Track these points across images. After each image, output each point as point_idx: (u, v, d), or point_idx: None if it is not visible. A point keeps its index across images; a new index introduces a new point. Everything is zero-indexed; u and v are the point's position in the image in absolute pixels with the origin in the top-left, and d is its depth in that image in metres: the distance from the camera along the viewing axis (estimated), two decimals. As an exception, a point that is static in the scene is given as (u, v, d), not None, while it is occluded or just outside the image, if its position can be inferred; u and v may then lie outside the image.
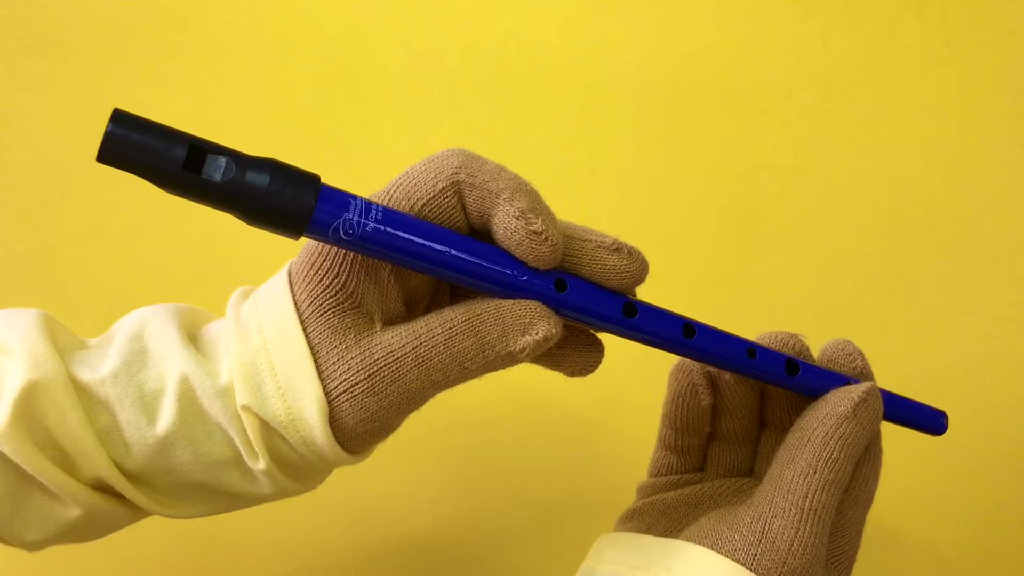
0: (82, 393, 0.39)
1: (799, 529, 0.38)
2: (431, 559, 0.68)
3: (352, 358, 0.38)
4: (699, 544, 0.39)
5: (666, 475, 0.47)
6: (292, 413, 0.39)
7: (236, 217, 0.35)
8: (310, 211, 0.35)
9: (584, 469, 0.66)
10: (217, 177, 0.33)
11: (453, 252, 0.38)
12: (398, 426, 0.41)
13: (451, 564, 0.68)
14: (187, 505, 0.42)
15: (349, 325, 0.39)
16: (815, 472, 0.39)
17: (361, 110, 0.74)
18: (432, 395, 0.40)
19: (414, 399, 0.39)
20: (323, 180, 0.36)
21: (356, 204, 0.36)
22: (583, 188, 0.75)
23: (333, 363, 0.38)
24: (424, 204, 0.38)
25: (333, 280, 0.39)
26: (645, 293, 0.42)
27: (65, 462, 0.39)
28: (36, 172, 0.71)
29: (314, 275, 0.39)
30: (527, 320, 0.38)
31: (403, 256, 0.37)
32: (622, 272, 0.40)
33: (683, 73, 0.77)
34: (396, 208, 0.38)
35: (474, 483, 0.70)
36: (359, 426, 0.39)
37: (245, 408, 0.39)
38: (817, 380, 0.42)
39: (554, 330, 0.39)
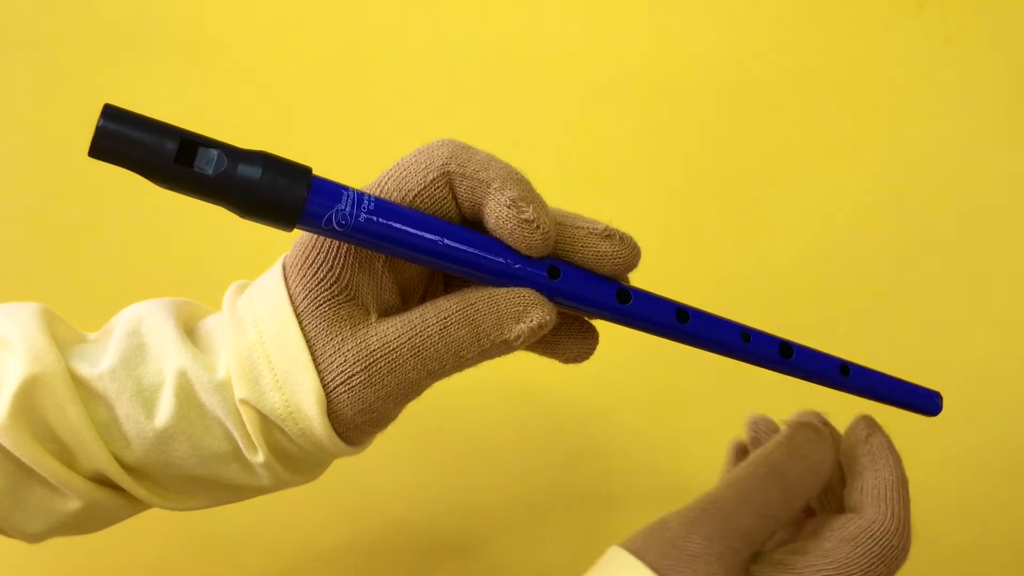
0: (81, 387, 0.39)
1: None
2: (431, 553, 0.68)
3: (348, 350, 0.39)
4: None
5: None
6: (290, 406, 0.39)
7: (228, 210, 0.35)
8: (302, 202, 0.35)
9: (583, 461, 0.66)
10: (209, 170, 0.34)
11: (446, 241, 0.38)
12: (396, 416, 0.42)
13: (451, 557, 0.68)
14: (186, 498, 0.43)
15: (344, 317, 0.39)
16: None
17: (361, 109, 0.75)
18: (429, 384, 0.40)
19: (411, 389, 0.39)
20: (317, 174, 0.37)
21: (348, 195, 0.37)
22: (583, 188, 0.76)
23: (330, 355, 0.39)
24: (416, 195, 0.39)
25: (327, 273, 0.39)
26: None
27: (64, 455, 0.40)
28: (33, 168, 0.71)
29: (308, 268, 0.39)
30: (521, 308, 0.39)
31: (396, 246, 0.38)
32: (614, 258, 0.40)
33: (683, 73, 0.77)
34: (388, 199, 0.39)
35: (473, 476, 0.70)
36: (357, 417, 0.39)
37: (243, 402, 0.39)
38: (811, 363, 0.43)
39: (548, 317, 0.39)
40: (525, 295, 0.39)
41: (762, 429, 0.48)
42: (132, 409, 0.39)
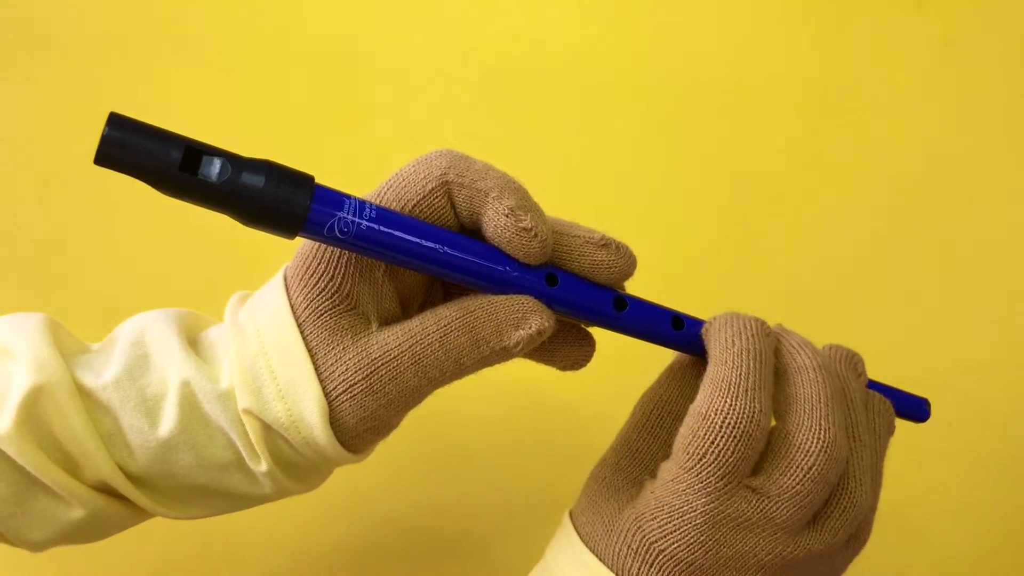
0: (85, 397, 0.40)
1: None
2: (431, 553, 0.68)
3: (350, 358, 0.39)
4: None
5: None
6: (293, 415, 0.39)
7: (232, 218, 0.36)
8: (305, 211, 0.36)
9: (582, 463, 0.66)
10: (213, 178, 0.34)
11: (445, 249, 0.39)
12: (398, 424, 0.42)
13: (451, 558, 0.68)
14: (190, 507, 0.43)
15: (346, 326, 0.40)
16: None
17: (361, 111, 0.75)
18: (430, 392, 0.41)
19: (412, 396, 0.40)
20: (320, 181, 0.37)
21: (350, 203, 0.37)
22: (583, 188, 0.76)
23: (331, 364, 0.39)
24: (415, 205, 0.39)
25: (328, 283, 0.40)
26: (645, 292, 0.43)
27: (69, 464, 0.40)
28: (36, 173, 0.72)
29: (309, 278, 0.40)
30: (520, 315, 0.39)
31: (397, 254, 0.38)
32: (610, 267, 0.41)
33: (683, 73, 0.77)
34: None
35: (473, 477, 0.70)
36: (359, 425, 0.40)
37: (246, 411, 0.39)
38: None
39: (547, 324, 0.40)
40: (524, 302, 0.40)
41: None
42: (136, 419, 0.40)
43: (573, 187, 0.76)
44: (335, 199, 0.37)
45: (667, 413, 0.43)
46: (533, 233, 0.39)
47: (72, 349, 0.42)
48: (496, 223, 0.39)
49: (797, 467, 0.37)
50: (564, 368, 0.44)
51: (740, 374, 0.38)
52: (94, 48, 0.73)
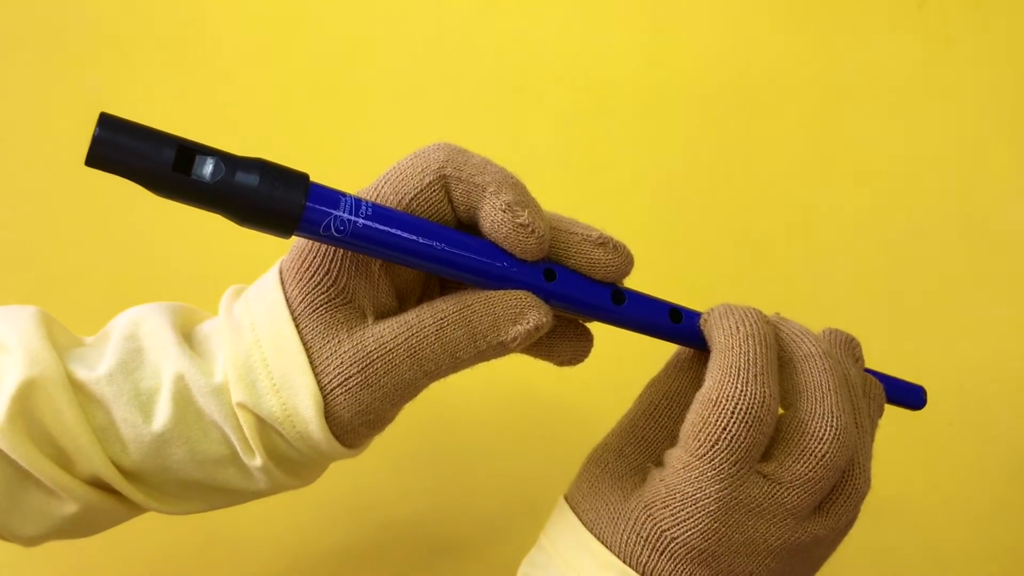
0: (79, 391, 0.40)
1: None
2: (431, 554, 0.69)
3: (345, 352, 0.39)
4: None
5: None
6: (287, 409, 0.39)
7: (226, 218, 0.35)
8: (300, 209, 0.36)
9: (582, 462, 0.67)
10: (206, 178, 0.34)
11: (443, 246, 0.39)
12: (393, 418, 0.42)
13: (451, 558, 0.68)
14: (183, 502, 0.43)
15: (341, 320, 0.40)
16: None
17: (361, 110, 0.75)
18: (425, 385, 0.41)
19: (407, 390, 0.40)
20: (319, 179, 0.37)
21: (346, 201, 0.37)
22: (583, 189, 0.76)
23: (326, 358, 0.39)
24: (412, 198, 0.39)
25: (324, 277, 0.40)
26: (645, 291, 0.43)
27: (61, 459, 0.40)
28: (30, 171, 0.72)
29: (305, 272, 0.40)
30: (518, 310, 0.39)
31: (393, 251, 0.38)
32: (607, 266, 0.41)
33: (683, 73, 0.77)
34: (384, 203, 0.39)
35: (473, 477, 0.70)
36: (354, 419, 0.40)
37: (240, 405, 0.39)
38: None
39: (544, 319, 0.40)
40: (521, 297, 0.40)
41: None
42: (129, 413, 0.40)
43: (573, 187, 0.75)
44: (331, 197, 0.37)
45: (674, 402, 0.43)
46: (530, 229, 0.38)
47: (65, 343, 0.42)
48: (493, 218, 0.39)
49: (811, 454, 0.38)
50: (562, 363, 0.44)
51: (748, 359, 0.38)
52: (93, 48, 0.73)
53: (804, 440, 0.38)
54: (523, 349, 0.42)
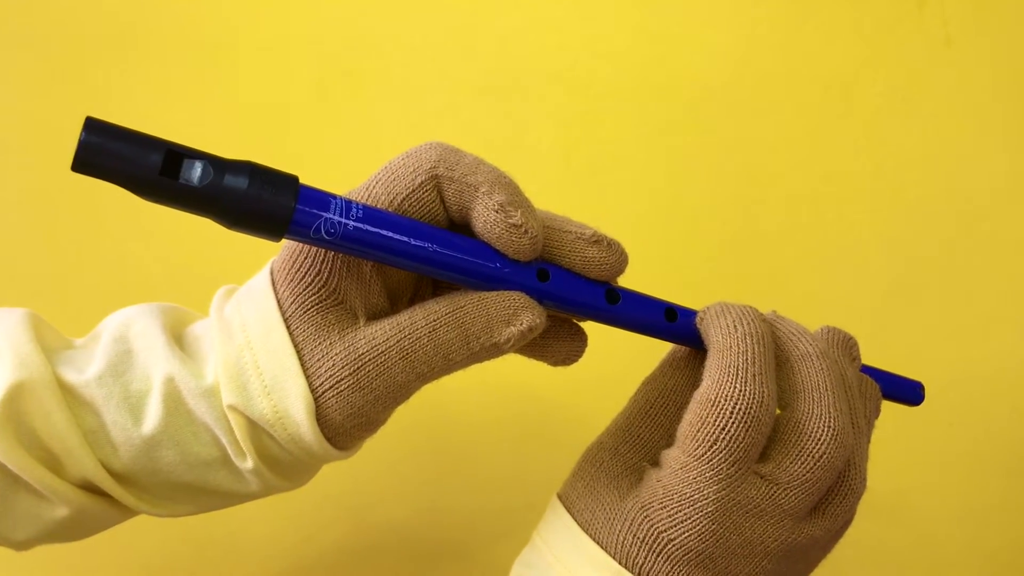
0: (68, 394, 0.40)
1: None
2: (430, 554, 0.69)
3: (337, 354, 0.39)
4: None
5: None
6: (279, 411, 0.39)
7: (215, 221, 0.35)
8: (290, 212, 0.36)
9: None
10: (195, 182, 0.34)
11: (434, 247, 0.38)
12: (385, 420, 0.42)
13: (450, 558, 0.69)
14: (174, 504, 0.43)
15: (332, 322, 0.40)
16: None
17: (361, 111, 0.75)
18: (417, 388, 0.41)
19: (400, 392, 0.40)
20: (318, 181, 0.37)
21: (336, 203, 0.37)
22: (583, 189, 0.76)
23: (318, 360, 0.39)
24: (404, 198, 0.39)
25: (315, 278, 0.40)
26: (644, 291, 0.43)
27: (51, 462, 0.40)
28: (29, 172, 0.72)
29: (296, 273, 0.40)
30: (511, 311, 0.39)
31: (384, 253, 0.38)
32: (601, 264, 0.41)
33: (683, 73, 0.77)
34: (376, 202, 0.39)
35: (472, 477, 0.71)
36: (346, 421, 0.40)
37: (231, 407, 0.39)
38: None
39: (538, 320, 0.40)
40: (515, 298, 0.40)
41: None
42: (119, 416, 0.40)
43: (573, 187, 0.76)
44: (321, 200, 0.37)
45: (670, 401, 0.43)
46: (523, 229, 0.38)
47: (55, 345, 0.42)
48: (486, 218, 0.39)
49: (809, 455, 0.38)
50: (556, 363, 0.44)
51: (747, 359, 0.38)
52: (91, 49, 0.73)
53: (801, 441, 0.38)
54: (517, 350, 0.42)
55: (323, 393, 0.39)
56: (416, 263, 0.39)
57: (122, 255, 0.71)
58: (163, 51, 0.73)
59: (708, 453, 0.37)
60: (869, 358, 0.45)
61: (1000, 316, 0.75)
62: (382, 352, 0.39)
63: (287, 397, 0.39)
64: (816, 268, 0.76)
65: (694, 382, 0.42)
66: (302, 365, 0.39)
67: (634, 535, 0.38)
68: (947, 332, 0.75)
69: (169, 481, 0.41)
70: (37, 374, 0.39)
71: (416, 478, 0.70)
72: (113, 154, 0.32)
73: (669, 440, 0.41)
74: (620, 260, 0.41)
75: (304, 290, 0.40)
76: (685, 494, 0.37)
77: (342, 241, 0.37)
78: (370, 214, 0.38)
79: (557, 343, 0.43)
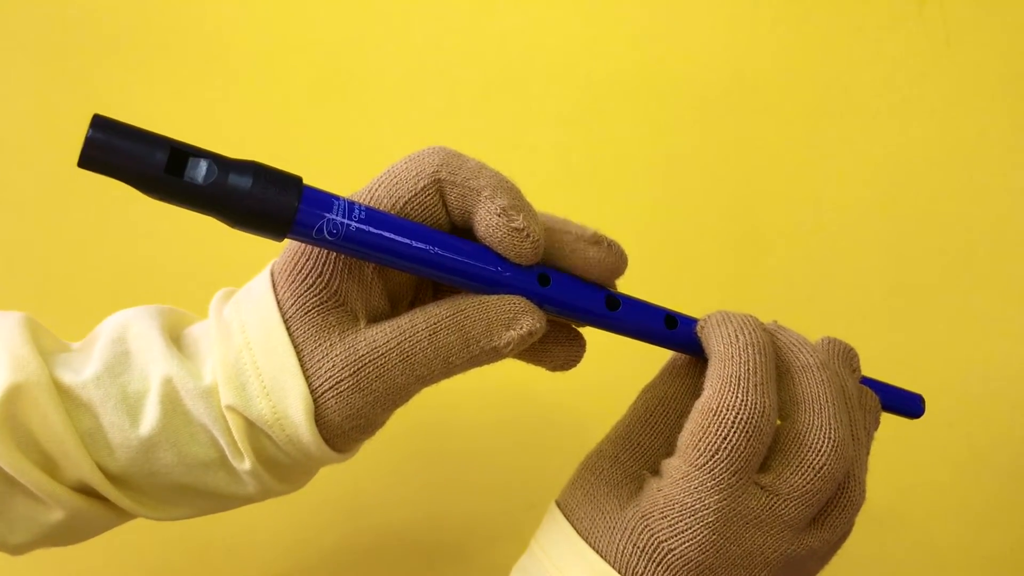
0: (65, 396, 0.40)
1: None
2: (430, 555, 0.69)
3: (337, 355, 0.39)
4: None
5: None
6: (278, 412, 0.40)
7: (219, 220, 0.35)
8: (293, 212, 0.36)
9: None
10: (199, 180, 0.34)
11: (436, 250, 0.39)
12: (384, 423, 0.43)
13: (450, 560, 0.69)
14: (171, 507, 0.43)
15: (333, 323, 0.40)
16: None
17: (361, 111, 0.75)
18: (417, 390, 0.41)
19: (399, 394, 0.40)
20: (318, 181, 0.37)
21: (339, 204, 0.37)
22: (583, 189, 0.76)
23: (318, 361, 0.40)
24: (406, 202, 0.40)
25: (316, 279, 0.40)
26: (644, 293, 0.43)
27: (48, 465, 0.40)
28: (31, 173, 0.72)
29: (297, 275, 0.40)
30: (511, 315, 0.40)
31: (386, 255, 0.38)
32: (601, 264, 0.41)
33: (683, 73, 0.77)
34: (378, 206, 0.40)
35: (472, 478, 0.71)
36: (345, 423, 0.40)
37: (230, 408, 0.40)
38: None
39: (538, 325, 0.40)
40: (515, 303, 0.40)
41: None
42: (116, 417, 0.40)
43: (573, 187, 0.76)
44: (324, 200, 0.37)
45: (670, 408, 0.43)
46: (525, 233, 0.39)
47: (51, 347, 0.42)
48: (488, 222, 0.39)
49: (809, 466, 0.38)
50: (554, 368, 0.44)
51: (748, 369, 0.38)
52: (91, 49, 0.73)
53: (802, 452, 0.39)
54: (516, 354, 0.43)
55: (323, 394, 0.40)
56: (417, 266, 0.39)
57: (121, 258, 0.71)
58: (162, 52, 0.74)
59: (709, 463, 0.37)
60: (869, 358, 0.45)
61: (1000, 317, 0.76)
62: (382, 354, 0.39)
63: (286, 398, 0.40)
64: (815, 268, 0.76)
65: (694, 390, 0.43)
66: (302, 366, 0.40)
67: (634, 544, 0.38)
68: (947, 333, 0.76)
69: (166, 483, 0.42)
70: (34, 376, 0.39)
71: (415, 481, 0.70)
72: (119, 151, 0.33)
73: (669, 448, 0.41)
74: (620, 260, 0.42)
75: (305, 292, 0.40)
76: (686, 504, 0.37)
77: (344, 242, 0.37)
78: (372, 216, 0.38)
79: (556, 348, 0.44)
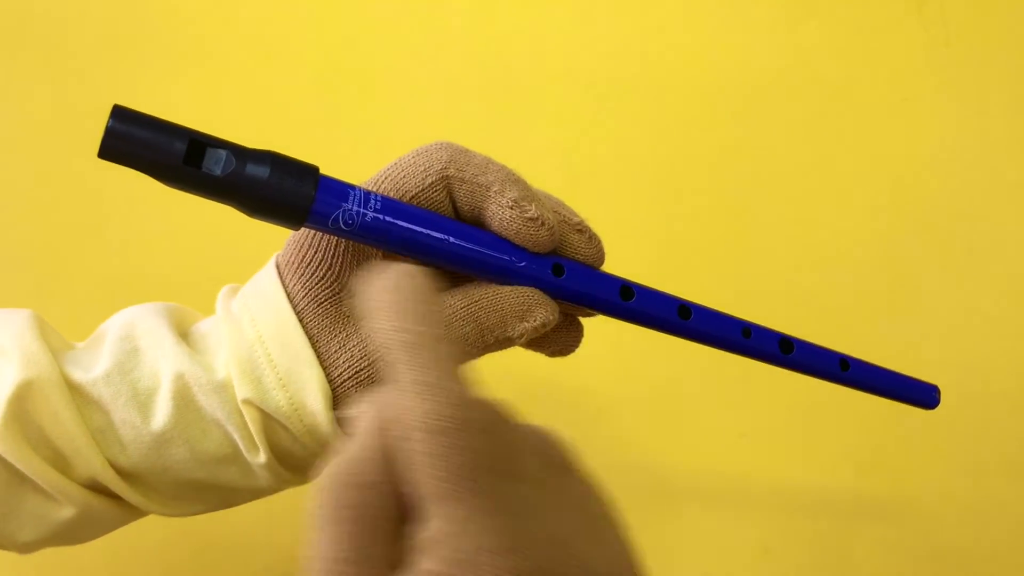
0: (76, 393, 0.40)
1: None
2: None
3: (354, 346, 0.40)
4: None
5: None
6: (295, 403, 0.40)
7: (236, 209, 0.36)
8: (310, 201, 0.36)
9: (584, 457, 0.68)
10: (217, 170, 0.35)
11: (452, 240, 0.39)
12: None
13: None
14: (183, 503, 0.44)
15: (347, 313, 0.40)
16: None
17: (362, 110, 0.76)
18: None
19: None
20: (324, 173, 0.37)
21: (355, 194, 0.38)
22: (583, 189, 0.77)
23: (335, 351, 0.40)
24: (412, 196, 0.40)
25: (327, 271, 0.40)
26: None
27: (59, 462, 0.40)
28: (34, 170, 0.72)
29: (306, 267, 0.40)
30: (525, 307, 0.40)
31: (402, 244, 0.39)
32: (579, 253, 0.42)
33: (683, 73, 0.78)
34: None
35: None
36: None
37: (246, 401, 0.40)
38: (811, 358, 0.44)
39: (551, 316, 0.41)
40: (529, 294, 0.40)
41: None
42: (128, 413, 0.40)
43: (573, 187, 0.76)
44: (340, 190, 0.37)
45: None
46: (540, 222, 0.39)
47: (59, 346, 0.42)
48: (502, 216, 0.39)
49: None
50: (553, 354, 0.45)
51: None
52: (93, 47, 0.73)
53: None
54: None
55: (342, 383, 0.40)
56: (433, 255, 0.39)
57: (122, 257, 0.71)
58: (166, 50, 0.74)
59: None
60: (868, 357, 0.46)
61: (1001, 316, 0.76)
62: None
63: (303, 388, 0.40)
64: (816, 267, 0.77)
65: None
66: (318, 356, 0.40)
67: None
68: (948, 331, 0.76)
69: (178, 479, 0.42)
70: (45, 373, 0.39)
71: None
72: (138, 141, 0.33)
73: None
74: (598, 255, 0.42)
75: (316, 284, 0.40)
76: None
77: (360, 231, 0.38)
78: (389, 205, 0.38)
79: (555, 334, 0.44)
